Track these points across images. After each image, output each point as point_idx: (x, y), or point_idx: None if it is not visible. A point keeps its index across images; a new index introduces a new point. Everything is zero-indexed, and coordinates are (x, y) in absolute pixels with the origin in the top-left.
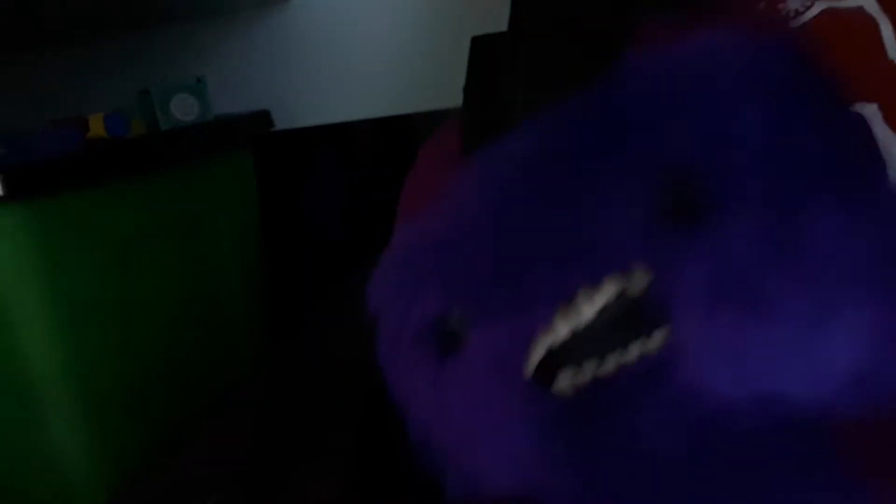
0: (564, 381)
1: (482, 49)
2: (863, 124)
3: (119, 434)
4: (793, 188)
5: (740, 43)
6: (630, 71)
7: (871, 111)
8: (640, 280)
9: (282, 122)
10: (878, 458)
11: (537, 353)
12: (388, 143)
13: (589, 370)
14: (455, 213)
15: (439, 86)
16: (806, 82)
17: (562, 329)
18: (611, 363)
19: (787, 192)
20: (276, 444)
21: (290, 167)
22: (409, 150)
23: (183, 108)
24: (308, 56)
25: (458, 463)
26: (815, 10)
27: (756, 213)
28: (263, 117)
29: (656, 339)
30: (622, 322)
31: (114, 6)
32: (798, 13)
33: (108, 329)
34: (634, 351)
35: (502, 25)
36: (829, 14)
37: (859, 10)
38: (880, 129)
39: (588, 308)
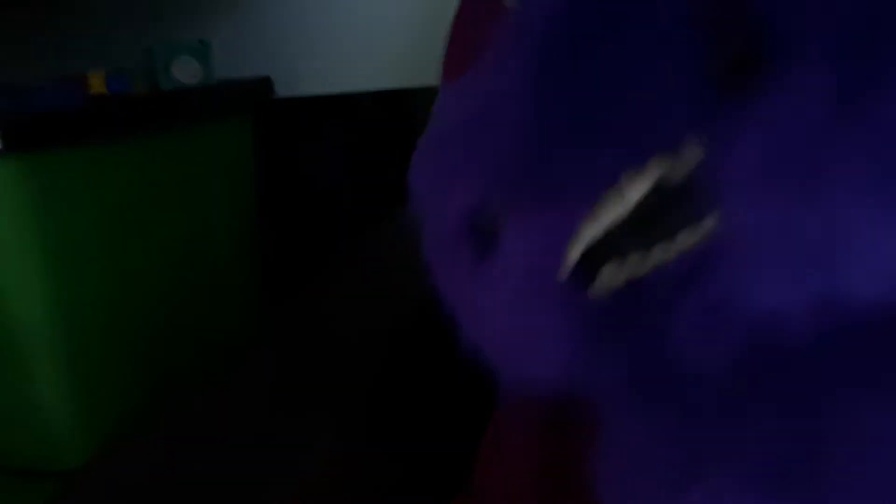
0: (608, 277)
1: None
2: None
3: (106, 392)
4: (870, 43)
5: None
6: None
7: None
8: (689, 159)
9: (283, 91)
10: None
11: (576, 249)
12: (391, 115)
13: (634, 264)
14: (489, 82)
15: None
16: None
17: (604, 220)
18: (656, 256)
19: (863, 48)
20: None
21: (290, 135)
22: (411, 125)
23: (185, 70)
24: (313, 24)
25: (499, 365)
26: None
27: (825, 74)
28: (265, 84)
29: (705, 228)
30: (668, 209)
31: None
32: None
33: (100, 285)
34: (682, 242)
35: None
36: None
37: None
38: None
39: (633, 194)
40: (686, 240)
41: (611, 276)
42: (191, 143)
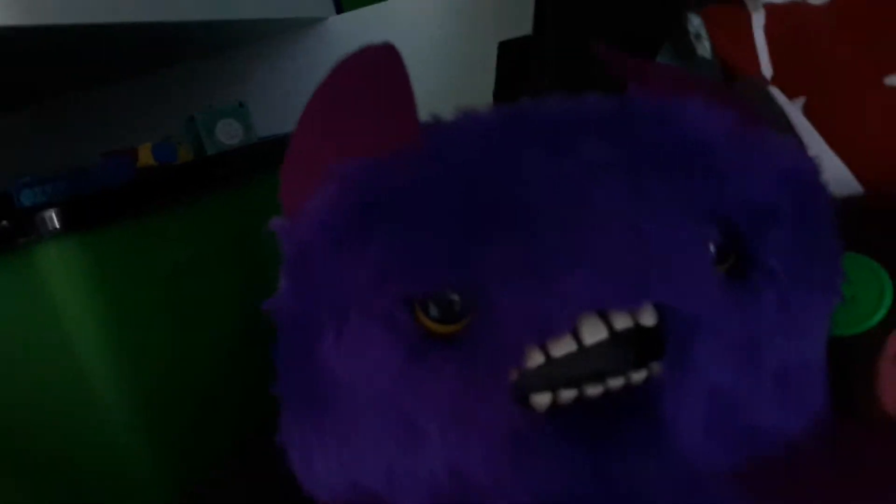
0: (560, 398)
1: (509, 54)
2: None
3: (178, 438)
4: (805, 271)
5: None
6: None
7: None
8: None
9: None
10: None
11: (534, 361)
12: None
13: (589, 390)
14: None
15: (472, 100)
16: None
17: (587, 338)
18: (604, 387)
19: (801, 274)
20: None
21: None
22: None
23: (227, 133)
24: None
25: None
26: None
27: (780, 289)
28: None
29: (649, 371)
30: (631, 347)
31: (155, 44)
32: None
33: (162, 343)
34: (632, 377)
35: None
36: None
37: None
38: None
39: (620, 325)
40: (632, 378)
41: (566, 398)
42: (241, 202)
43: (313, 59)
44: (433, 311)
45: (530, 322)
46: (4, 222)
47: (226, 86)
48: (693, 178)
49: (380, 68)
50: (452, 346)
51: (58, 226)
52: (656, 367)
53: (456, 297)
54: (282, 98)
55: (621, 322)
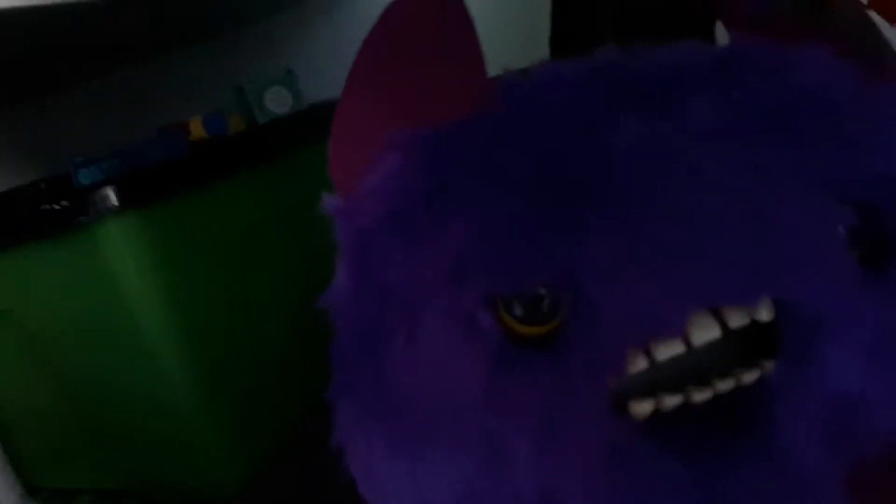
0: (663, 405)
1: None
2: None
3: (247, 422)
4: None
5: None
6: (777, 62)
7: None
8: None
9: None
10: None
11: (636, 366)
12: None
13: (695, 395)
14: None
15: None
16: None
17: (697, 339)
18: (712, 390)
19: None
20: None
21: None
22: None
23: (277, 101)
24: None
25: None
26: None
27: None
28: None
29: (762, 371)
30: (742, 344)
31: (196, 15)
32: None
33: (225, 324)
34: (743, 378)
35: None
36: None
37: None
38: None
39: (735, 322)
40: (726, 385)
41: (640, 411)
42: (293, 171)
43: (358, 20)
44: (518, 310)
45: (635, 323)
46: (64, 202)
47: (270, 54)
48: (820, 147)
49: (439, 11)
50: (543, 351)
51: (116, 203)
52: (769, 365)
53: (545, 294)
54: (328, 62)
55: (736, 319)
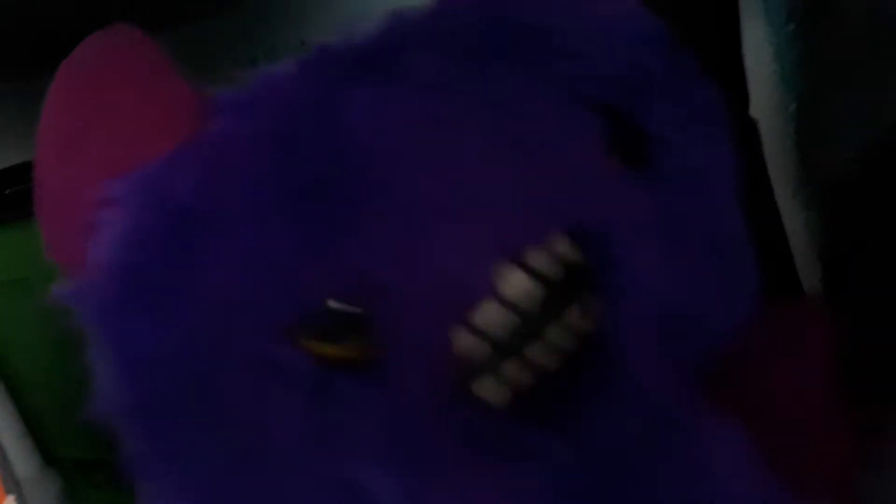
0: (506, 375)
1: None
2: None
3: None
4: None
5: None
6: None
7: None
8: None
9: None
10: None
11: (465, 343)
12: None
13: (531, 353)
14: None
15: None
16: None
17: (509, 291)
18: (544, 344)
19: (698, 135)
20: None
21: None
22: None
23: None
24: None
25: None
26: None
27: (681, 158)
28: None
29: (584, 306)
30: (558, 292)
31: None
32: None
33: None
34: (567, 327)
35: None
36: None
37: None
38: None
39: (537, 263)
40: (569, 326)
41: (485, 389)
42: None
43: None
44: (318, 332)
45: (442, 297)
46: None
47: (284, 25)
48: (549, 65)
49: (120, 49)
50: (363, 368)
51: None
52: (588, 298)
53: (341, 307)
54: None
55: (539, 261)
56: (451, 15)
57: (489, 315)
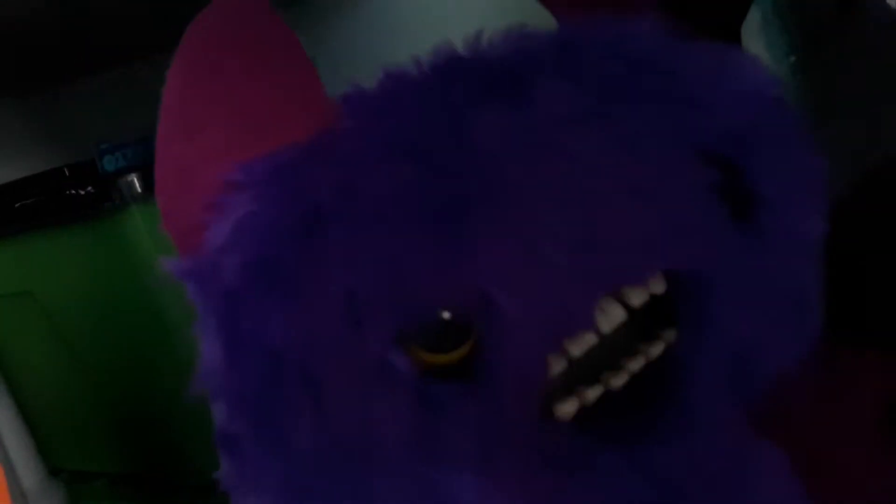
0: (586, 399)
1: None
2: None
3: None
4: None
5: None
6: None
7: None
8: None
9: None
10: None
11: (557, 368)
12: None
13: (612, 382)
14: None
15: None
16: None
17: (605, 326)
18: (627, 372)
19: (797, 196)
20: None
21: None
22: None
23: None
24: (411, 33)
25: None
26: None
27: (783, 218)
28: None
29: (665, 342)
30: (640, 322)
31: None
32: None
33: None
34: (650, 353)
35: None
36: None
37: None
38: None
39: (637, 300)
40: (637, 365)
41: (566, 412)
42: None
43: (377, 11)
44: (428, 340)
45: (548, 324)
46: (89, 188)
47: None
48: (671, 111)
49: (251, 24)
50: (463, 379)
51: (140, 190)
52: (670, 335)
53: (451, 317)
54: (348, 54)
55: (637, 297)
56: (576, 44)
57: (583, 345)
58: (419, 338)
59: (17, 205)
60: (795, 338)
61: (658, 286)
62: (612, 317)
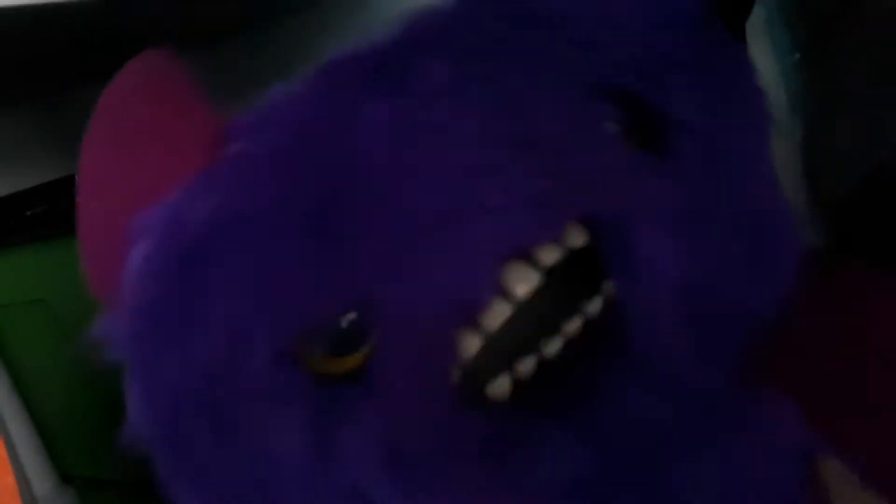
0: (519, 373)
1: None
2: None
3: None
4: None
5: None
6: None
7: None
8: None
9: None
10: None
11: (472, 347)
12: None
13: (547, 349)
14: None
15: None
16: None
17: (519, 290)
18: (562, 337)
19: (721, 113)
20: None
21: None
22: None
23: None
24: None
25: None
26: None
27: (703, 140)
28: None
29: (604, 295)
30: (569, 282)
31: (230, 12)
32: None
33: None
34: (588, 310)
35: None
36: None
37: None
38: None
39: (548, 259)
40: (574, 325)
41: (499, 391)
42: None
43: (382, 21)
44: (323, 347)
45: (449, 301)
46: None
47: (296, 54)
48: (564, 58)
49: (150, 83)
50: (365, 381)
51: None
52: (609, 286)
53: (344, 320)
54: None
55: (549, 256)
56: (466, 14)
57: (500, 316)
58: (321, 345)
59: (28, 213)
60: (769, 270)
61: (576, 238)
62: (523, 281)
